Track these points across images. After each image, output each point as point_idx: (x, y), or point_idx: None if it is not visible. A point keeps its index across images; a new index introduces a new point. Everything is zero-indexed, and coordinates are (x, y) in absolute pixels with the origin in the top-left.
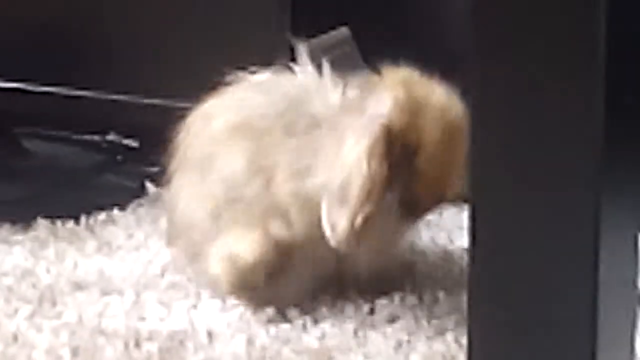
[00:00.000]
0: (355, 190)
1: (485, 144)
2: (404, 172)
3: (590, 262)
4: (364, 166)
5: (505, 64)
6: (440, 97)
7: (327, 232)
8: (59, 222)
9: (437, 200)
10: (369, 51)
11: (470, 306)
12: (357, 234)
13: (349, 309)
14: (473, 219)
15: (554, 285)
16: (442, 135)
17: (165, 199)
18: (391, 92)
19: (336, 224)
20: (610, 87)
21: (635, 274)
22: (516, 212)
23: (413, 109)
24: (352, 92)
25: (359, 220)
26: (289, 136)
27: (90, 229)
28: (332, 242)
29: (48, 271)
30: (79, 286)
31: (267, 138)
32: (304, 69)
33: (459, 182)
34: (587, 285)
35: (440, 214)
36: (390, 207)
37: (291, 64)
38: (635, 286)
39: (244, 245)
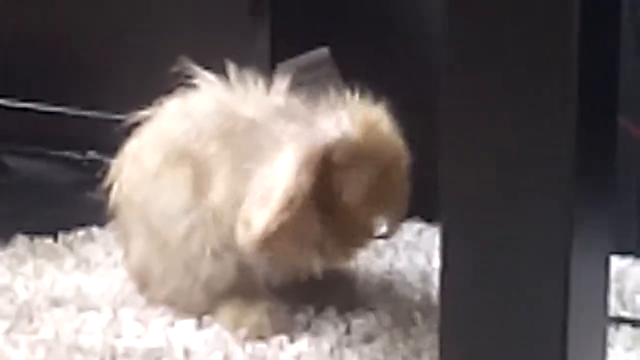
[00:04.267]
0: (278, 194)
1: (455, 165)
2: (330, 198)
3: (561, 283)
4: (294, 174)
5: (476, 84)
6: (391, 146)
7: (240, 229)
8: (37, 239)
9: (361, 235)
10: (349, 71)
11: (441, 327)
12: (268, 240)
13: (326, 327)
14: (444, 241)
15: (525, 307)
16: (375, 178)
17: (116, 237)
18: (348, 119)
19: (250, 223)
20: (581, 108)
21: (606, 295)
22: (487, 233)
23: (361, 147)
24: (296, 100)
25: (273, 225)
26: (229, 143)
27: (69, 246)
28: (240, 240)
29: (26, 287)
30: (56, 302)
31: (204, 159)
32: (214, 82)
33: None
34: (558, 306)
35: (420, 234)
36: (310, 226)
37: (196, 82)
38: (606, 307)
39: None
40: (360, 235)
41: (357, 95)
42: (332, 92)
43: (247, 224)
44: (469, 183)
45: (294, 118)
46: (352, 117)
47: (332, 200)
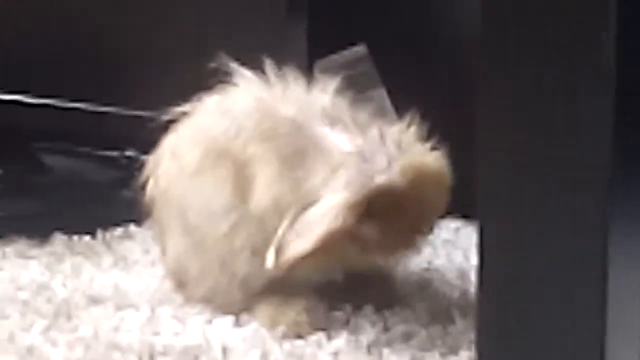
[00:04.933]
0: (318, 234)
1: (492, 164)
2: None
3: (598, 284)
4: (339, 219)
5: (512, 85)
6: (437, 180)
7: (271, 251)
8: (75, 237)
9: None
10: (386, 70)
11: (479, 326)
12: (296, 265)
13: (363, 325)
14: (482, 239)
15: (562, 307)
16: (417, 214)
17: (153, 234)
18: (399, 164)
19: (284, 249)
20: (618, 109)
21: None
22: (524, 232)
23: (404, 196)
24: (344, 103)
25: (306, 252)
26: (271, 145)
27: (106, 244)
28: (269, 262)
29: (64, 285)
30: (94, 300)
31: (246, 158)
32: (253, 80)
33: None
34: (596, 306)
35: (457, 232)
36: (343, 249)
37: (235, 79)
38: None
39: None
40: (398, 246)
41: (412, 127)
42: (375, 102)
43: (280, 249)
44: (505, 182)
45: (343, 124)
46: (403, 162)
47: (369, 223)
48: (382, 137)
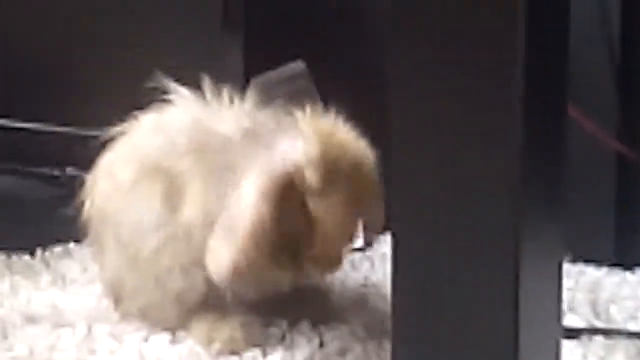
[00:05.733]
0: (243, 230)
1: (405, 176)
2: (299, 223)
3: (511, 291)
4: (255, 208)
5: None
6: (353, 153)
7: (209, 259)
8: (14, 256)
9: (332, 256)
10: (324, 85)
11: (394, 339)
12: (239, 273)
13: (299, 341)
14: (395, 252)
15: (476, 316)
16: (346, 196)
17: (92, 252)
18: (307, 139)
19: (219, 257)
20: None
21: (559, 304)
22: (436, 242)
23: (323, 164)
24: (265, 120)
25: (242, 263)
26: (202, 159)
27: (45, 263)
28: (214, 277)
29: (1, 304)
30: (31, 319)
31: (177, 174)
32: (189, 98)
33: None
34: (508, 313)
35: None
36: (280, 251)
37: (171, 98)
38: (560, 316)
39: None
40: (337, 251)
41: (307, 110)
42: (291, 111)
43: (216, 257)
44: (417, 191)
45: (257, 139)
46: (305, 137)
47: (306, 221)
48: (289, 125)
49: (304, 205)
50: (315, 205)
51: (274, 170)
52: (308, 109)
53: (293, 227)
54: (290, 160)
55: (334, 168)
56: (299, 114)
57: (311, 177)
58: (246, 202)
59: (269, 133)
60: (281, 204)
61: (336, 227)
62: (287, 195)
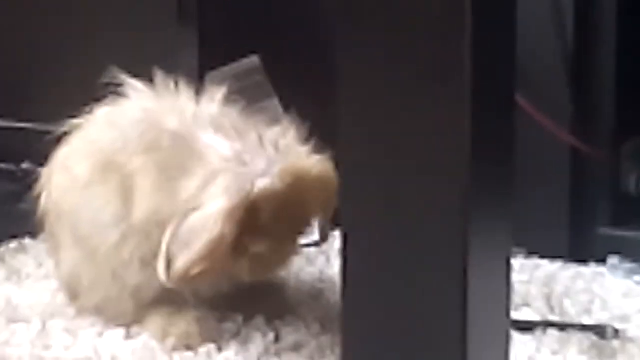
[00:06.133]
0: (202, 243)
1: (354, 171)
2: (253, 230)
3: (460, 287)
4: (218, 227)
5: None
6: (317, 194)
7: (161, 265)
8: None
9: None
10: (277, 79)
11: (344, 336)
12: (189, 280)
13: (254, 336)
14: (345, 247)
15: (424, 311)
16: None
17: (47, 247)
18: (278, 167)
19: (172, 261)
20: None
21: (509, 298)
22: (385, 237)
23: (286, 199)
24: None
25: (195, 271)
26: (152, 157)
27: (0, 258)
28: (162, 277)
29: None
30: None
31: (128, 169)
32: (143, 91)
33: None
34: (457, 309)
35: None
36: (230, 263)
37: (126, 91)
38: (508, 310)
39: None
40: (286, 251)
41: (291, 130)
42: (268, 112)
43: (168, 263)
44: (366, 186)
45: (225, 130)
46: (282, 165)
47: (255, 230)
48: (260, 140)
49: (260, 222)
50: (269, 225)
51: (243, 192)
52: (284, 127)
53: (247, 237)
54: (260, 188)
55: (293, 204)
56: (275, 130)
57: (270, 208)
58: (209, 220)
59: (241, 138)
60: (241, 224)
61: (286, 234)
62: (248, 217)
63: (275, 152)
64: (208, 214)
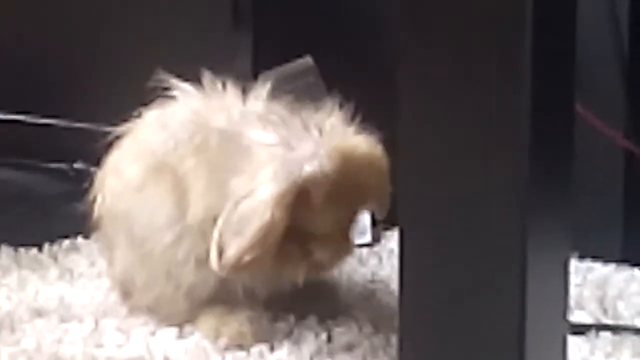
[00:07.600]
0: (253, 230)
1: (413, 172)
2: (307, 221)
3: (518, 288)
4: (268, 212)
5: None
6: (366, 171)
7: (213, 254)
8: (22, 250)
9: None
10: (331, 81)
11: (401, 334)
12: (241, 268)
13: (307, 336)
14: (402, 247)
15: (482, 312)
16: (351, 201)
17: (100, 247)
18: (325, 149)
19: (224, 249)
20: (535, 110)
21: (566, 300)
22: (444, 238)
23: (336, 181)
24: (279, 107)
25: (246, 258)
26: (203, 158)
27: (53, 257)
28: (214, 266)
29: (9, 298)
30: (38, 313)
31: (181, 172)
32: (191, 92)
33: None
34: (515, 311)
35: None
36: (284, 253)
37: (174, 93)
38: (566, 312)
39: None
40: (340, 247)
41: (335, 112)
42: (312, 104)
43: (220, 252)
44: (425, 187)
45: (272, 124)
46: (329, 146)
47: (309, 222)
48: (305, 125)
49: (313, 207)
50: (321, 212)
51: (291, 177)
52: (328, 110)
53: (301, 224)
54: (309, 171)
55: (344, 187)
56: (320, 113)
57: (321, 191)
58: (259, 206)
59: (285, 119)
60: (292, 210)
61: (340, 222)
62: (300, 202)
63: (321, 134)
64: (258, 200)
